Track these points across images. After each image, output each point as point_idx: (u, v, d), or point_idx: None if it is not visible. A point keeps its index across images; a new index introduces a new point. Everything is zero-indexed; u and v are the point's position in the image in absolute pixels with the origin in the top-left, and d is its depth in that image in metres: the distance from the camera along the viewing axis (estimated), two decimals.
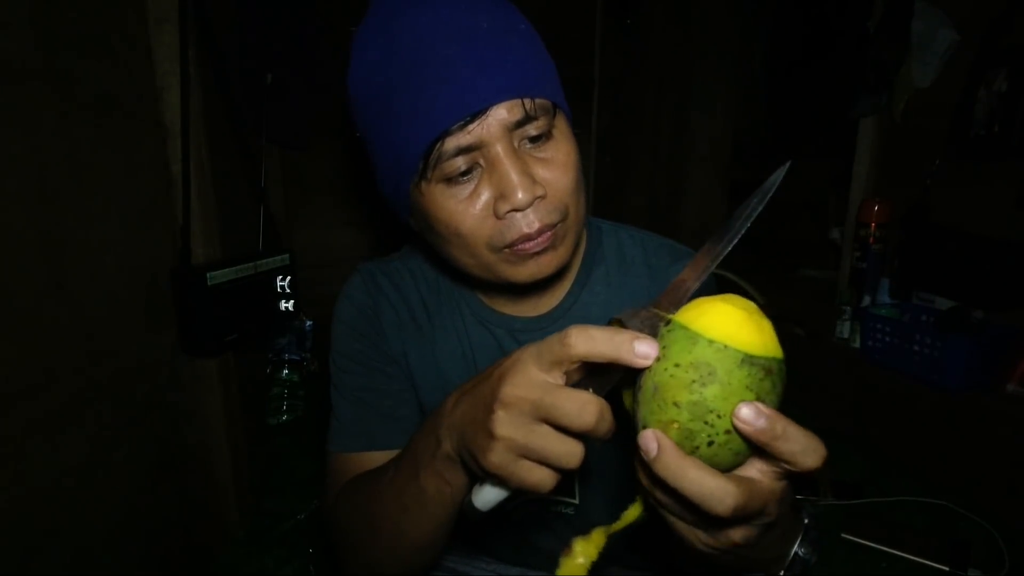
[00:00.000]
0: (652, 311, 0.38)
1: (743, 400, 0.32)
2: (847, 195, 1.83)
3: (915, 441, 1.51)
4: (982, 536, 1.24)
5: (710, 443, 0.34)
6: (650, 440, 0.34)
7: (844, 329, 1.74)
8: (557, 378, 0.38)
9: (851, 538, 1.26)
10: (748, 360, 0.33)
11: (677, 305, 0.38)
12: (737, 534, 0.37)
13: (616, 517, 0.66)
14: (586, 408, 0.36)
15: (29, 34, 0.77)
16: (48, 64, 0.81)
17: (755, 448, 0.34)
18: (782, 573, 0.45)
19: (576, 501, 0.70)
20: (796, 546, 0.45)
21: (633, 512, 0.42)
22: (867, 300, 1.70)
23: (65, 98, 0.84)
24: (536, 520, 0.73)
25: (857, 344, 1.68)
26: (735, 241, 0.39)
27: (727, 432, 0.33)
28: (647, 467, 0.35)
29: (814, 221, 2.34)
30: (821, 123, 2.18)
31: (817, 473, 0.34)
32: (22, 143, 0.75)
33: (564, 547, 0.42)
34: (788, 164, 0.40)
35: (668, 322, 0.36)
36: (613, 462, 0.66)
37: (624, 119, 2.34)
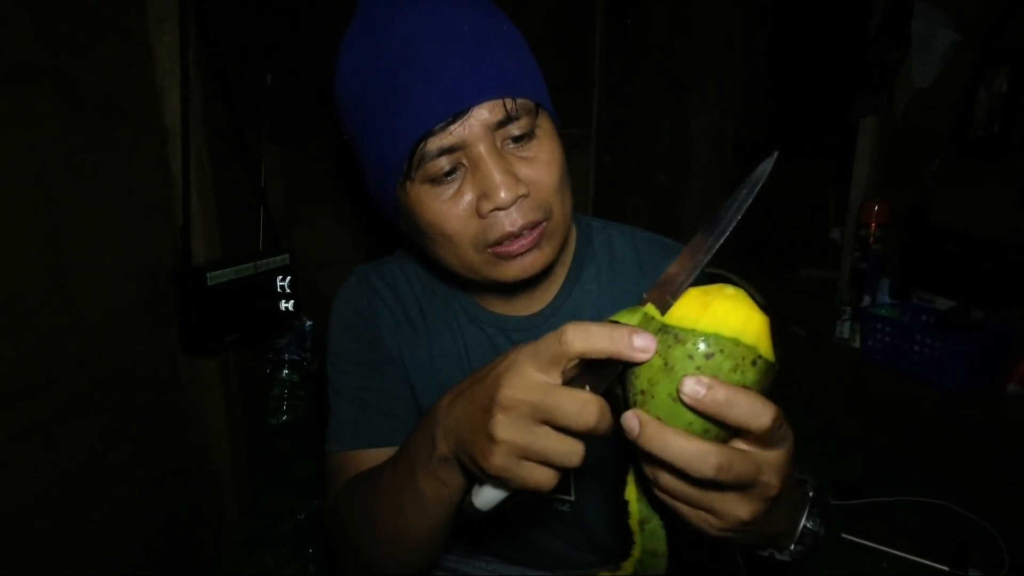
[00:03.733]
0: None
1: (651, 364, 0.35)
2: (847, 195, 1.83)
3: (915, 441, 1.51)
4: (982, 536, 1.24)
5: (632, 403, 0.37)
6: (631, 419, 0.35)
7: (844, 329, 1.74)
8: (555, 378, 0.38)
9: (851, 538, 1.26)
10: (663, 329, 0.36)
11: (671, 298, 0.38)
12: (742, 510, 0.37)
13: (612, 512, 0.67)
14: (587, 408, 0.37)
15: (29, 34, 0.77)
16: (48, 64, 0.81)
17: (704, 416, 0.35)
18: (793, 547, 0.45)
19: (572, 498, 0.70)
20: (804, 519, 0.45)
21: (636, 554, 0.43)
22: (867, 300, 1.70)
23: (65, 98, 0.84)
24: (534, 518, 0.74)
25: (857, 344, 1.68)
26: (726, 235, 0.39)
27: (641, 392, 0.36)
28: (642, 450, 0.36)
29: (814, 221, 2.34)
30: (821, 123, 2.18)
31: (771, 433, 0.35)
32: (23, 143, 0.75)
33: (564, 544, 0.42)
34: (776, 154, 0.39)
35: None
36: (608, 458, 0.66)
37: (624, 119, 2.34)
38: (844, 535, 1.27)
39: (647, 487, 0.41)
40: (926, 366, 1.43)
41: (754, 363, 0.34)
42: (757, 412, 0.33)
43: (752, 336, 0.34)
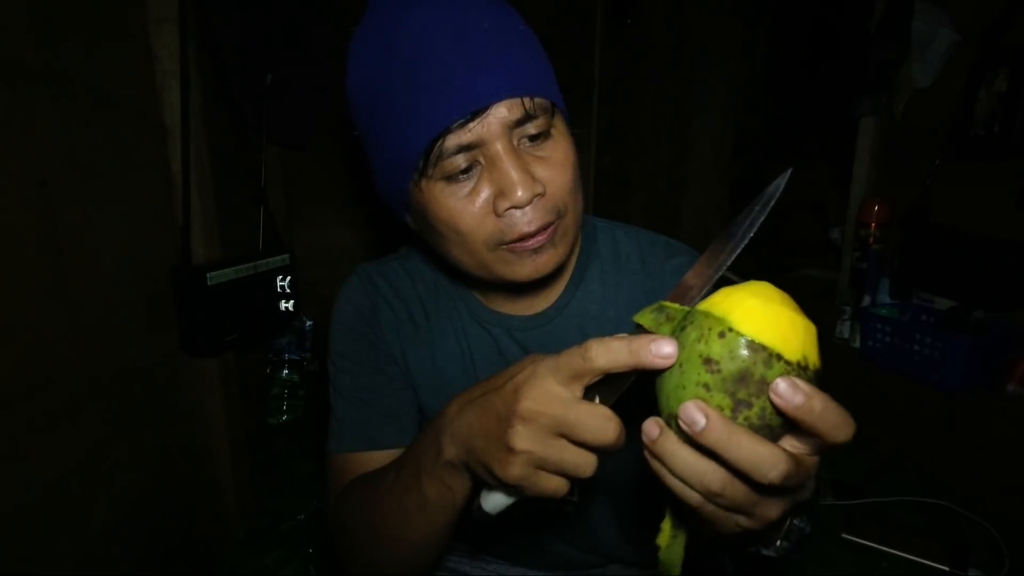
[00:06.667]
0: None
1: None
2: (847, 195, 1.83)
3: (915, 441, 1.51)
4: (982, 536, 1.24)
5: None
6: (694, 411, 0.32)
7: (844, 329, 1.74)
8: (575, 392, 0.38)
9: (851, 538, 1.26)
10: (658, 308, 0.39)
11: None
12: (775, 510, 0.35)
13: (612, 514, 0.67)
14: (608, 425, 0.37)
15: (29, 34, 0.77)
16: (48, 64, 0.81)
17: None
18: (779, 543, 0.45)
19: (575, 499, 0.70)
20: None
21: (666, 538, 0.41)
22: (867, 300, 1.70)
23: (65, 98, 0.84)
24: (536, 520, 0.74)
25: (857, 344, 1.67)
26: (739, 250, 0.39)
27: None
28: (693, 445, 0.33)
29: (814, 221, 2.34)
30: (821, 123, 2.18)
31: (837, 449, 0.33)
32: (22, 143, 0.75)
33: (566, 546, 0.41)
34: (790, 171, 0.40)
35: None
36: (611, 462, 0.66)
37: (624, 119, 2.34)
38: (844, 535, 1.27)
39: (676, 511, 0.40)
40: (926, 366, 1.43)
41: (721, 335, 0.33)
42: (844, 424, 0.32)
43: (725, 310, 0.34)
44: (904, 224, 1.65)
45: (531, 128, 0.52)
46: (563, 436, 0.38)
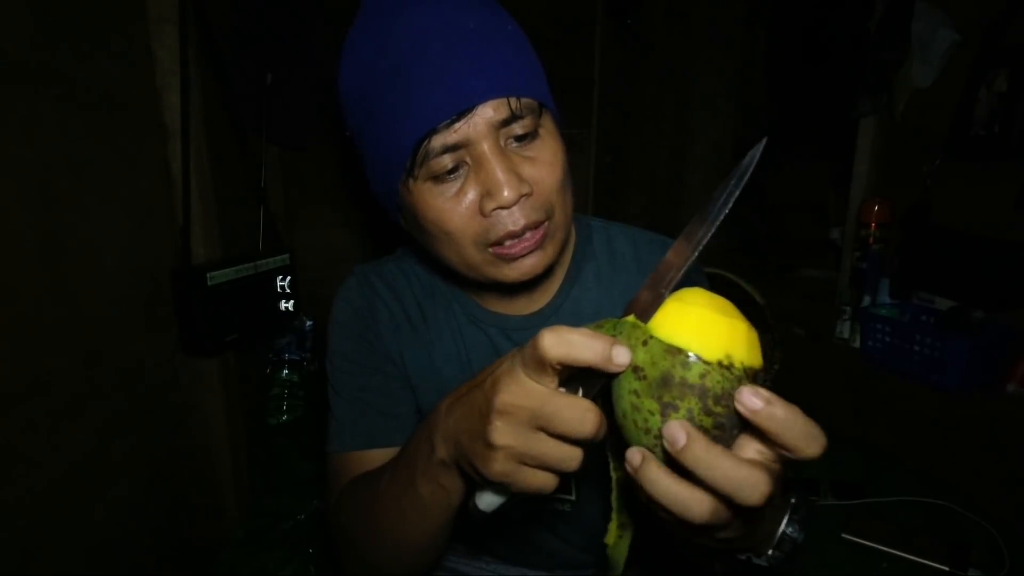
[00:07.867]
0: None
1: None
2: (847, 195, 1.83)
3: (915, 441, 1.51)
4: (982, 536, 1.24)
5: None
6: (678, 430, 0.32)
7: (844, 329, 1.74)
8: (550, 383, 0.37)
9: (851, 538, 1.26)
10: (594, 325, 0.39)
11: (662, 291, 0.38)
12: (748, 521, 0.36)
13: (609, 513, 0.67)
14: (586, 417, 0.36)
15: (29, 33, 0.77)
16: (48, 64, 0.81)
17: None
18: (771, 552, 0.45)
19: (573, 498, 0.71)
20: (784, 524, 0.45)
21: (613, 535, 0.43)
22: (867, 300, 1.70)
23: (65, 98, 0.84)
24: (535, 518, 0.74)
25: (857, 344, 1.67)
26: (717, 224, 0.39)
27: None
28: (665, 466, 0.34)
29: (814, 221, 2.34)
30: (821, 123, 2.18)
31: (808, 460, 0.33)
32: (22, 143, 0.75)
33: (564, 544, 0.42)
34: (764, 141, 0.40)
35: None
36: (609, 459, 0.67)
37: (624, 119, 2.34)
38: (844, 535, 1.27)
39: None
40: (926, 366, 1.43)
41: (645, 343, 0.35)
42: (812, 438, 0.32)
43: (654, 321, 0.36)
44: (904, 224, 1.65)
45: (517, 128, 0.53)
46: (542, 429, 0.38)
